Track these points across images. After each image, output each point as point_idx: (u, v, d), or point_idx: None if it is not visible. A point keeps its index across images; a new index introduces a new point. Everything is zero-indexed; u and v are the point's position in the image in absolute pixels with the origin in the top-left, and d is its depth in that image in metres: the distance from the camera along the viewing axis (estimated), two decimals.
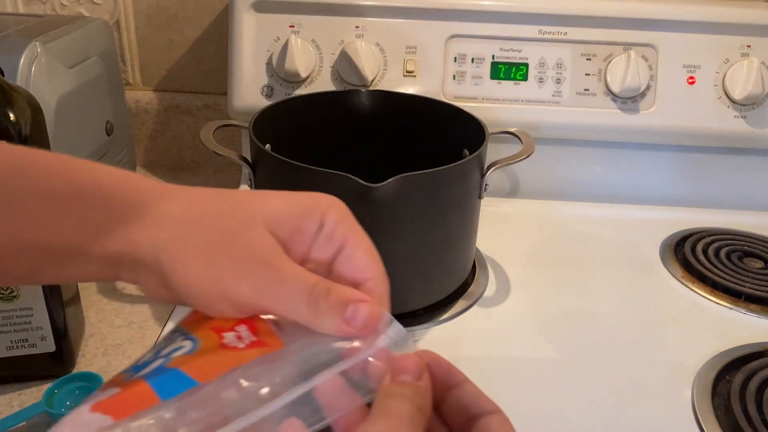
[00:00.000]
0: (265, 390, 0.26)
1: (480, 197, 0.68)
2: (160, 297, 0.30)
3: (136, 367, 0.28)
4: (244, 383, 0.26)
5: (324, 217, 0.30)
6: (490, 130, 0.68)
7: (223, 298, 0.27)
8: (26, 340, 0.54)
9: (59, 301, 0.54)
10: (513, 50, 0.84)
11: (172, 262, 0.28)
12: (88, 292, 0.67)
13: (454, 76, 0.84)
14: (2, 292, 0.52)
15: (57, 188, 0.29)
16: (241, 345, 0.27)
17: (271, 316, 0.28)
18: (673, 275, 0.75)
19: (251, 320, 0.29)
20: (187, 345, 0.28)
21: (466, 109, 0.72)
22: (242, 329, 0.28)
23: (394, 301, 0.32)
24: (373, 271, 0.30)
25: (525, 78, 0.84)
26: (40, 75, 0.63)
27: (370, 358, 0.27)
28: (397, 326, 0.29)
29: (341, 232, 0.30)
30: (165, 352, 0.28)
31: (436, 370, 0.27)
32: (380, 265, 0.30)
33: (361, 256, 0.30)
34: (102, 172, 0.30)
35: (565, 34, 0.83)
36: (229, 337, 0.28)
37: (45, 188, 0.29)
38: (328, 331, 0.27)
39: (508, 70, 0.84)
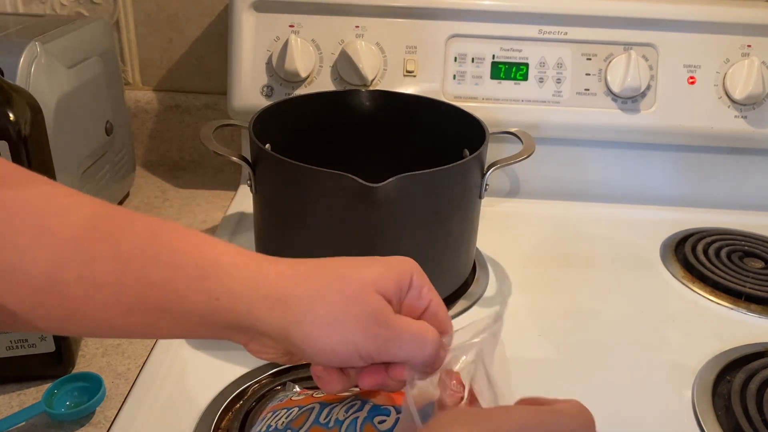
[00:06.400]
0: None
1: (480, 197, 0.68)
2: (267, 357, 0.36)
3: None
4: None
5: (412, 278, 0.37)
6: (490, 130, 0.67)
7: (354, 356, 0.34)
8: (26, 340, 0.54)
9: None
10: (513, 50, 0.84)
11: (305, 337, 0.33)
12: None
13: (454, 76, 0.84)
14: None
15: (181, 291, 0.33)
16: None
17: None
18: (673, 275, 0.75)
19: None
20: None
21: (466, 109, 0.72)
22: None
23: None
24: (449, 326, 0.39)
25: (525, 78, 0.84)
26: (40, 75, 0.63)
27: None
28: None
29: (425, 291, 0.38)
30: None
31: None
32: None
33: (443, 313, 0.39)
34: (225, 274, 0.34)
35: (566, 33, 0.83)
36: None
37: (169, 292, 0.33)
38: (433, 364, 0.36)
39: (508, 70, 0.84)
